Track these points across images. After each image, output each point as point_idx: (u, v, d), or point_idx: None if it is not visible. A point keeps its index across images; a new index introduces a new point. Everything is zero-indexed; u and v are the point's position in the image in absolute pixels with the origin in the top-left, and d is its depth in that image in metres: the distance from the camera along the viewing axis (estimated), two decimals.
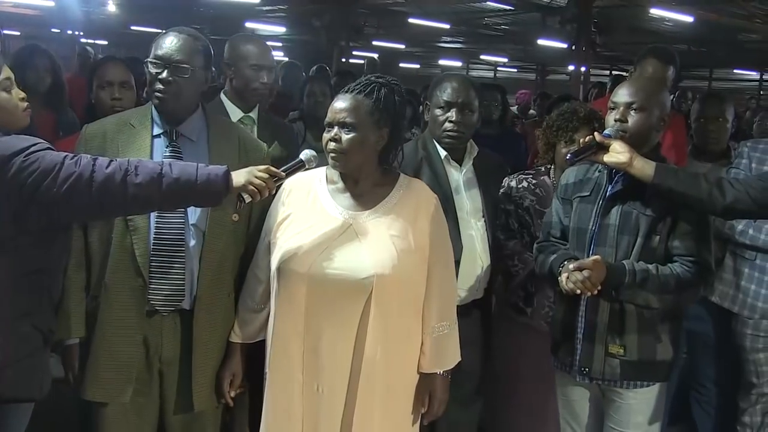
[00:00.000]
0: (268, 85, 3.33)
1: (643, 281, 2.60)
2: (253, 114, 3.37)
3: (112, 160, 2.25)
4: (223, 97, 3.34)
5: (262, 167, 2.37)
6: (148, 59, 2.55)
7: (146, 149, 2.56)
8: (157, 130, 2.61)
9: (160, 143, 2.59)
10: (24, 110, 2.40)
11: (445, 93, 3.06)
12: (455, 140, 3.08)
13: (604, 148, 2.62)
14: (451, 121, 3.04)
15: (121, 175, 2.21)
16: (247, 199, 2.35)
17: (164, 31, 2.60)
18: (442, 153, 3.11)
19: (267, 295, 2.57)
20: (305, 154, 2.46)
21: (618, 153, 2.60)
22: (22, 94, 2.41)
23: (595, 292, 2.58)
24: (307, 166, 2.46)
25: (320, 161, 2.59)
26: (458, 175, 3.14)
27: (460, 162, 3.16)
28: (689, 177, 2.60)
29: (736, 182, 2.61)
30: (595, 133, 2.65)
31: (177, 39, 2.54)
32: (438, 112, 3.08)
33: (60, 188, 2.18)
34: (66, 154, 2.24)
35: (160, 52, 2.52)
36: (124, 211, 2.40)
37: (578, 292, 2.59)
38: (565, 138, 3.29)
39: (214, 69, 2.69)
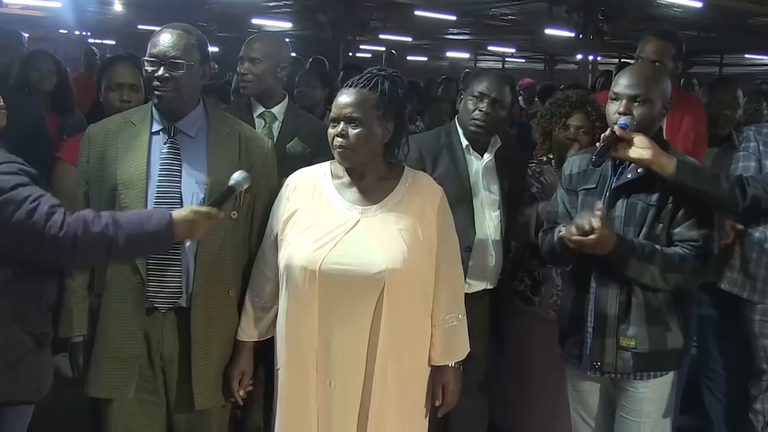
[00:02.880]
0: (247, 76, 3.38)
1: (650, 254, 2.59)
2: (276, 110, 3.42)
3: (65, 219, 2.27)
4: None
5: (204, 211, 2.39)
6: (145, 58, 2.55)
7: (144, 146, 2.57)
8: (156, 127, 2.62)
9: (158, 140, 2.60)
10: None
11: (481, 85, 3.16)
12: (481, 130, 3.16)
13: (625, 141, 2.60)
14: (480, 111, 3.14)
15: (68, 240, 2.26)
16: (187, 243, 2.49)
17: (158, 29, 2.60)
18: (464, 142, 3.19)
19: (275, 292, 2.57)
20: (233, 178, 2.44)
21: (641, 149, 2.57)
22: None
23: (596, 224, 2.48)
24: (237, 190, 2.46)
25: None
26: (478, 165, 3.21)
27: (481, 153, 3.22)
28: (710, 175, 2.59)
29: (754, 180, 2.61)
30: (615, 127, 2.61)
31: (171, 35, 2.54)
32: (470, 100, 3.18)
33: (7, 236, 2.24)
34: (27, 196, 2.26)
35: (154, 50, 2.52)
36: (71, 267, 2.50)
37: (583, 226, 2.52)
38: (559, 124, 3.32)
39: (216, 65, 2.71)
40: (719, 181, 2.58)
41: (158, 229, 2.34)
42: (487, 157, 3.23)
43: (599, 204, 2.58)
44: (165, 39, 2.53)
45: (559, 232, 2.66)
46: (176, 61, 2.51)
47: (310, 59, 7.59)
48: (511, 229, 3.27)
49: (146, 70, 2.55)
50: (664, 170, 2.57)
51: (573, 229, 2.54)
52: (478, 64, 26.26)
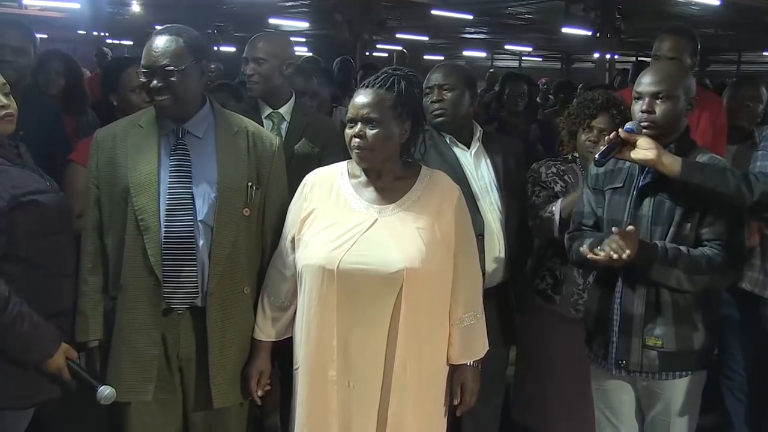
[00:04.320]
0: (254, 77, 3.35)
1: (675, 258, 2.58)
2: (284, 110, 3.40)
3: None
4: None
5: (66, 377, 2.48)
6: (138, 69, 2.56)
7: (153, 148, 2.57)
8: (164, 129, 2.61)
9: (167, 142, 2.60)
10: (2, 117, 2.43)
11: (428, 80, 3.21)
12: (441, 118, 3.19)
13: (630, 144, 2.60)
14: (432, 102, 3.17)
15: None
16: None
17: (151, 35, 2.59)
18: (446, 137, 3.20)
19: (293, 291, 2.57)
20: (101, 392, 2.46)
21: (645, 150, 2.58)
22: (4, 101, 2.44)
23: (624, 255, 2.50)
24: (99, 397, 2.46)
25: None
26: (466, 156, 3.21)
27: (467, 144, 3.23)
28: (716, 172, 2.57)
29: (762, 176, 2.59)
30: (620, 130, 2.63)
31: (159, 43, 2.52)
32: (425, 99, 3.17)
33: None
34: None
35: (145, 61, 2.52)
36: None
37: (610, 254, 2.53)
38: (583, 125, 3.30)
39: (221, 66, 2.69)
40: (726, 178, 2.56)
41: (38, 354, 2.43)
42: (474, 147, 3.24)
43: (615, 230, 2.56)
44: (154, 48, 2.52)
45: (585, 251, 2.63)
46: (167, 69, 2.49)
47: (338, 59, 7.57)
48: (512, 216, 3.23)
49: (142, 81, 2.55)
50: (670, 170, 2.56)
51: (600, 254, 2.55)
52: (494, 63, 26.23)
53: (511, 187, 3.26)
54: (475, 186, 3.16)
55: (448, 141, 3.19)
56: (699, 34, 3.94)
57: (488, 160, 3.25)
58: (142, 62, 2.54)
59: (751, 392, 3.74)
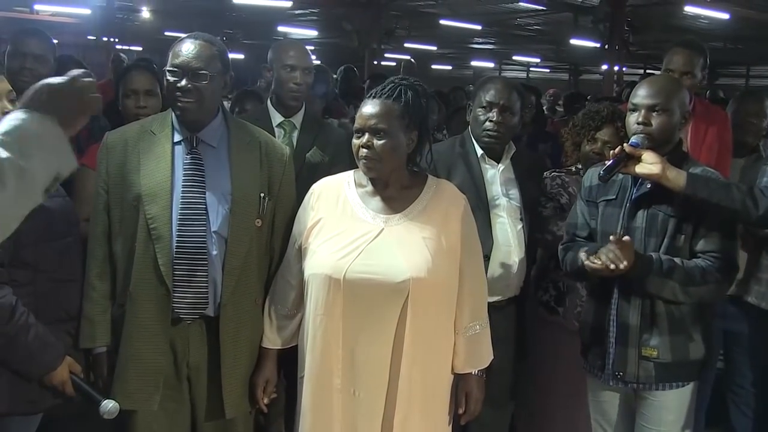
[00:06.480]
0: (303, 86, 3.34)
1: (670, 270, 2.59)
2: (295, 119, 3.38)
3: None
4: (268, 102, 3.40)
5: (67, 390, 2.48)
6: (166, 68, 2.53)
7: (167, 156, 2.55)
8: (177, 137, 2.59)
9: (180, 150, 2.59)
10: None
11: (488, 94, 3.12)
12: (494, 140, 3.12)
13: (635, 158, 2.61)
14: (491, 121, 3.10)
15: None
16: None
17: (179, 39, 2.58)
18: (479, 151, 3.16)
19: (299, 300, 2.57)
20: (104, 406, 2.43)
21: (650, 164, 2.58)
22: (9, 108, 2.41)
23: (621, 266, 2.51)
24: (102, 412, 2.44)
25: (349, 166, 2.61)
26: (494, 173, 3.17)
27: (497, 160, 3.19)
28: (721, 187, 2.59)
29: None
30: (624, 144, 2.63)
31: (193, 46, 2.51)
32: (480, 111, 3.14)
33: None
34: None
35: (177, 61, 2.50)
36: None
37: (607, 263, 2.54)
38: (588, 137, 3.31)
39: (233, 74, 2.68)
40: (731, 193, 2.57)
41: (41, 366, 2.43)
42: (503, 164, 3.20)
43: (613, 238, 2.57)
44: (187, 50, 2.51)
45: (583, 257, 2.65)
46: (199, 72, 2.49)
47: (341, 68, 7.58)
48: (534, 236, 3.24)
49: (168, 80, 2.52)
50: (674, 184, 2.57)
51: (597, 262, 2.56)
52: (502, 74, 26.25)
53: (533, 205, 3.25)
54: (498, 206, 3.13)
55: (479, 155, 3.15)
56: (708, 47, 3.94)
57: (514, 178, 3.21)
58: (171, 62, 2.51)
59: (758, 408, 3.73)
